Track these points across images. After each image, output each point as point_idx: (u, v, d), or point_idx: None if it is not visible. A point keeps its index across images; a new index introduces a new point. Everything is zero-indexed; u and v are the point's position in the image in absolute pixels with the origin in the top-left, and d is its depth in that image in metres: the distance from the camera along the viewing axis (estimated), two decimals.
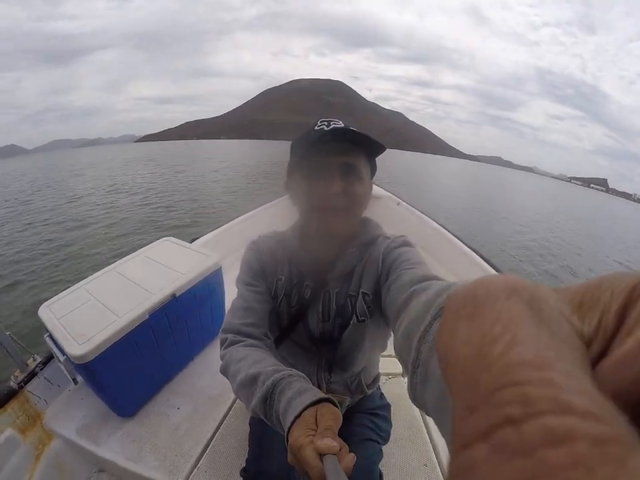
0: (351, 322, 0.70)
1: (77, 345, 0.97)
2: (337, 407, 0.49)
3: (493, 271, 1.81)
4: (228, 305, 0.76)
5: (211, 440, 1.10)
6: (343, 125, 0.61)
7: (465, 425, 0.09)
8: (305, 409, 0.47)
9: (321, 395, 0.50)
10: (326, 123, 0.61)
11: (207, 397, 1.25)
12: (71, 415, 1.17)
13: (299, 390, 0.51)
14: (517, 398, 0.08)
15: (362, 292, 0.68)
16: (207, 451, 1.07)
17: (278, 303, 0.74)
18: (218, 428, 1.14)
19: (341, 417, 0.47)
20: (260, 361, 0.59)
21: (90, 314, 1.09)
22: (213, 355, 1.46)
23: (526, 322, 0.11)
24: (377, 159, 0.70)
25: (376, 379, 0.92)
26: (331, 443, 0.39)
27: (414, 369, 0.27)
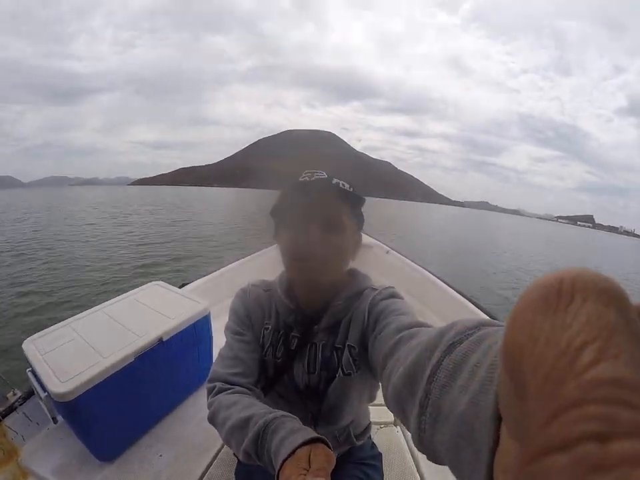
0: (337, 375, 0.68)
1: (59, 382, 0.94)
2: (330, 448, 0.47)
3: (486, 317, 1.79)
4: (216, 352, 0.75)
5: None
6: (326, 176, 0.61)
7: (544, 433, 0.09)
8: (298, 447, 0.46)
9: (315, 434, 0.48)
10: (309, 174, 0.61)
11: (191, 445, 1.20)
12: (48, 454, 1.12)
13: (292, 429, 0.50)
14: (606, 416, 0.08)
15: (348, 345, 0.67)
16: None
17: (264, 352, 0.73)
18: (201, 478, 1.09)
19: (334, 460, 0.45)
20: (250, 405, 0.58)
21: (75, 352, 1.06)
22: (199, 402, 1.41)
23: (619, 333, 0.10)
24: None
25: (367, 429, 0.89)
26: None
27: (422, 409, 0.26)
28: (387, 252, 2.88)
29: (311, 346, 0.70)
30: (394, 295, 0.67)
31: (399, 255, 2.86)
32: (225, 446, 1.18)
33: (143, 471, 1.10)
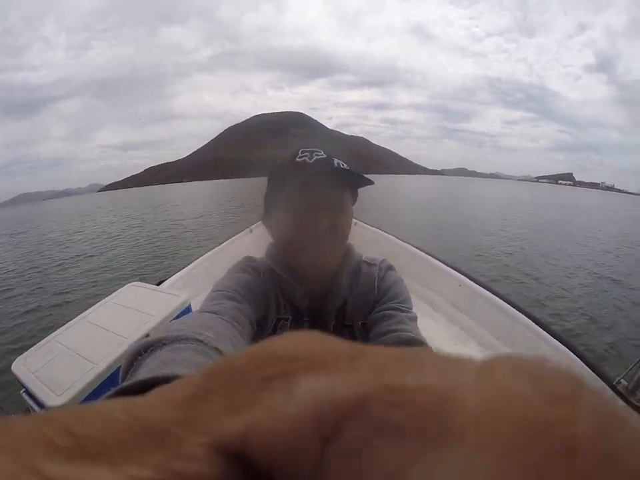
0: None
1: (55, 395, 0.95)
2: None
3: (457, 274, 1.97)
4: None
5: None
6: (325, 156, 0.58)
7: None
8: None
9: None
10: (308, 154, 0.58)
11: None
12: None
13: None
14: None
15: (361, 322, 0.67)
16: None
17: None
18: None
19: None
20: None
21: (65, 365, 1.07)
22: None
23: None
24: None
25: None
26: None
27: None
28: (355, 224, 2.92)
29: (323, 328, 0.67)
30: (391, 267, 0.70)
31: (367, 225, 2.92)
32: None
33: None
